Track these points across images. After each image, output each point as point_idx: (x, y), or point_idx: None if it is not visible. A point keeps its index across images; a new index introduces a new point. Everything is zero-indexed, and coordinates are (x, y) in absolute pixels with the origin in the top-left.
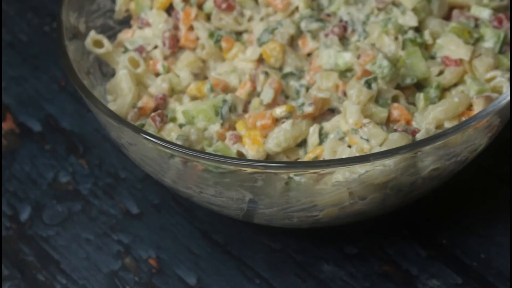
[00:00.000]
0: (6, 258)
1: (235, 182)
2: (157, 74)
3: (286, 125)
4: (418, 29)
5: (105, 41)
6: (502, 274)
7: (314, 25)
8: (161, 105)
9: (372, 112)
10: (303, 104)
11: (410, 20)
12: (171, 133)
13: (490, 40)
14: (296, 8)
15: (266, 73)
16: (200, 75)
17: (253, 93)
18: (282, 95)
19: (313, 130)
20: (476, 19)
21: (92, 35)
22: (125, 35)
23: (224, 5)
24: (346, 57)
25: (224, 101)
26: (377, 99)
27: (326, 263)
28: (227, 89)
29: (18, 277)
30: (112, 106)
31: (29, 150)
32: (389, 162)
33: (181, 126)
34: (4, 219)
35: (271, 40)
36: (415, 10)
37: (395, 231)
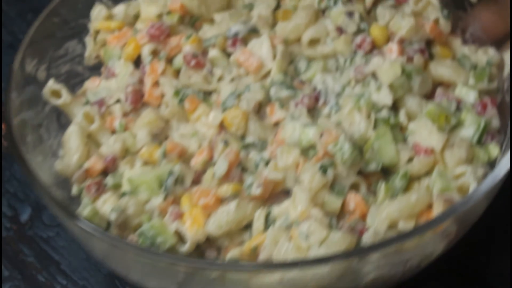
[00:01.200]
0: (6, 259)
1: (156, 272)
2: (114, 132)
3: (231, 206)
4: (395, 105)
5: (64, 92)
6: (503, 274)
7: (284, 93)
8: (110, 168)
9: (325, 201)
10: (251, 185)
11: (385, 98)
12: (107, 205)
13: (469, 127)
14: (269, 72)
15: (226, 142)
16: (161, 136)
17: (210, 162)
18: (239, 167)
19: (258, 215)
20: (459, 102)
21: (50, 84)
22: (91, 84)
23: (193, 62)
24: (310, 134)
25: (171, 172)
26: (333, 185)
27: None
28: (183, 154)
29: (18, 278)
30: (58, 165)
31: None
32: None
33: (124, 194)
34: (4, 220)
35: (234, 107)
36: (391, 87)
37: None
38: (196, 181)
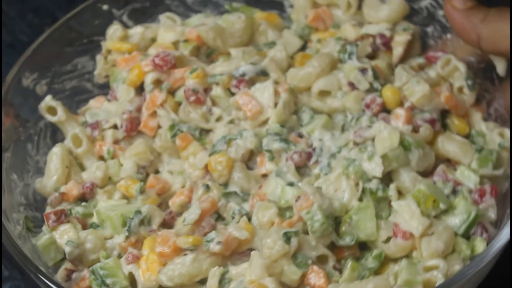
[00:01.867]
0: (6, 259)
1: None
2: (101, 157)
3: (186, 259)
4: (390, 177)
5: (59, 109)
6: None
7: (276, 145)
8: (88, 195)
9: (283, 270)
10: (211, 240)
11: (375, 169)
12: (64, 235)
13: (459, 216)
14: (268, 119)
15: (207, 187)
16: (150, 168)
17: (189, 205)
18: (213, 216)
19: (213, 273)
20: (458, 184)
21: (47, 100)
22: (96, 103)
23: (192, 98)
24: (289, 194)
25: (137, 212)
26: (296, 255)
27: None
28: (164, 192)
29: (18, 278)
30: (37, 183)
31: None
32: None
33: (92, 225)
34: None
35: (220, 153)
36: (385, 157)
37: None
38: (170, 223)
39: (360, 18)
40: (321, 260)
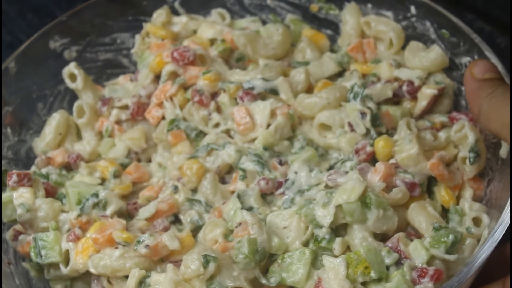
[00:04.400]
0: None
1: None
2: (101, 133)
3: (114, 253)
4: (346, 229)
5: (79, 78)
6: None
7: (251, 166)
8: (73, 165)
9: None
10: (141, 242)
11: (325, 218)
12: (20, 198)
13: None
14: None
15: (176, 188)
16: (143, 155)
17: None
18: (170, 218)
19: (133, 274)
20: (406, 257)
21: (70, 67)
22: (123, 80)
23: (196, 98)
24: (238, 218)
25: (94, 195)
26: (213, 280)
27: None
28: (141, 182)
29: None
30: (34, 143)
31: None
32: None
33: (59, 195)
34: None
35: (193, 159)
36: (339, 209)
37: None
38: (132, 213)
39: (401, 59)
40: None
